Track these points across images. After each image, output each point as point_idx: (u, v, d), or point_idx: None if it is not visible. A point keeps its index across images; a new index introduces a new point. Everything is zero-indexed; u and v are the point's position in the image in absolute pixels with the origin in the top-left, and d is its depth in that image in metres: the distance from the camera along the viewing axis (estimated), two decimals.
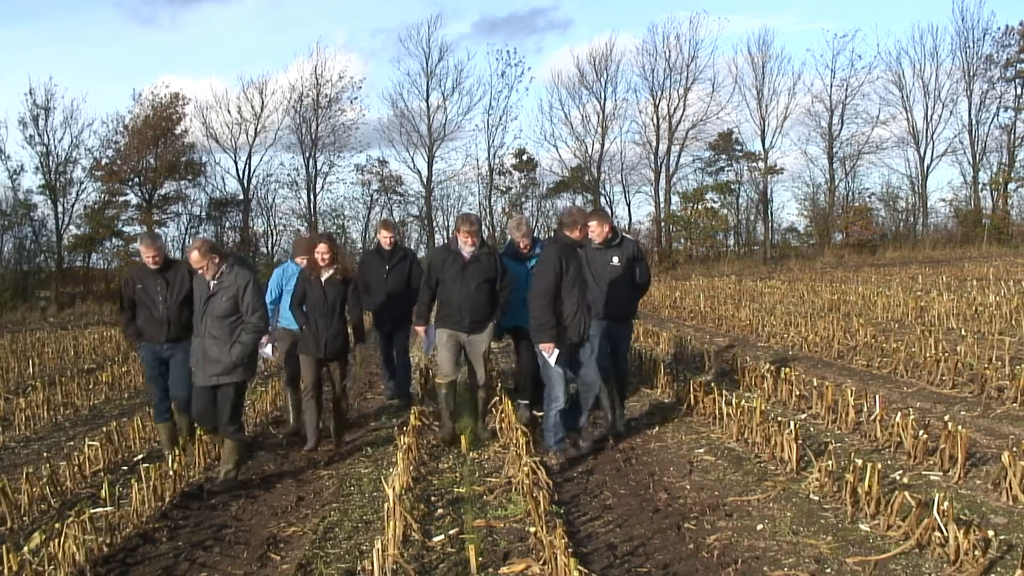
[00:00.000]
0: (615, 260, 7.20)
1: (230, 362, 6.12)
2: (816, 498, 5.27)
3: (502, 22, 58.02)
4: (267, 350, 7.23)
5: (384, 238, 9.05)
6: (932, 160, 38.34)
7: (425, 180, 37.86)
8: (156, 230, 34.91)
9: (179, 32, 53.86)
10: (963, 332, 10.71)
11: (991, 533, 4.14)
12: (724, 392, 7.54)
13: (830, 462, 5.41)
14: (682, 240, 39.21)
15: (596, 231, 7.18)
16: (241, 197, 36.77)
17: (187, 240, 35.82)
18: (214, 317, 6.13)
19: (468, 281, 6.97)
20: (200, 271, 6.22)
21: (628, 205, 39.45)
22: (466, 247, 7.02)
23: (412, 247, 37.22)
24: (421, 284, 7.34)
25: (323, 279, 7.02)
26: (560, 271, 6.21)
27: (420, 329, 7.44)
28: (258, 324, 6.19)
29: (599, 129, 38.14)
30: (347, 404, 7.86)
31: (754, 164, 39.32)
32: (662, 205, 38.18)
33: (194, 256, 6.16)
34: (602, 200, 37.36)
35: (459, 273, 6.98)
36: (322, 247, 7.07)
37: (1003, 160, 37.86)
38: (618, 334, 7.35)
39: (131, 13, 55.85)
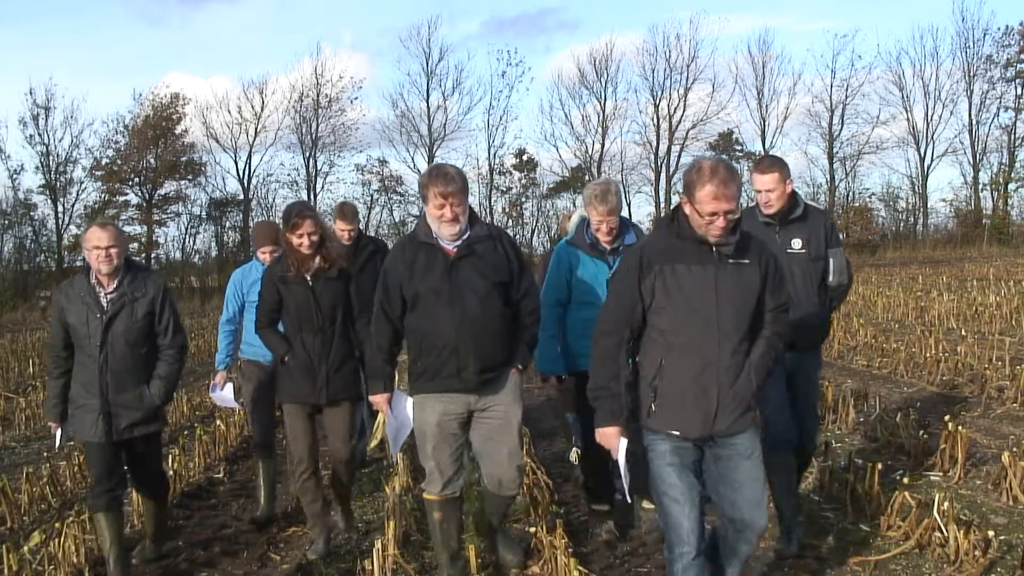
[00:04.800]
0: (797, 244, 4.25)
1: (153, 405, 4.35)
2: (816, 498, 5.27)
3: (511, 22, 57.93)
4: (226, 394, 5.48)
5: (342, 231, 6.08)
6: (932, 160, 38.31)
7: None
8: (156, 230, 34.99)
9: (188, 32, 53.87)
10: (963, 332, 10.71)
11: (991, 533, 4.14)
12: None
13: (830, 462, 5.41)
14: None
15: (767, 194, 4.30)
16: (241, 197, 36.77)
17: (187, 240, 35.86)
18: (121, 345, 4.24)
19: (463, 291, 3.80)
20: (99, 271, 4.24)
21: (628, 205, 39.43)
22: (447, 227, 3.80)
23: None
24: (374, 315, 4.03)
25: (308, 275, 4.54)
26: (638, 289, 3.21)
27: (379, 399, 4.18)
28: (181, 349, 4.44)
29: (599, 129, 38.17)
30: (352, 478, 5.12)
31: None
32: (662, 205, 38.19)
33: (105, 235, 4.19)
34: None
35: (443, 280, 3.80)
36: (307, 225, 4.48)
37: (1003, 160, 37.82)
38: (802, 371, 4.36)
39: (139, 13, 55.82)
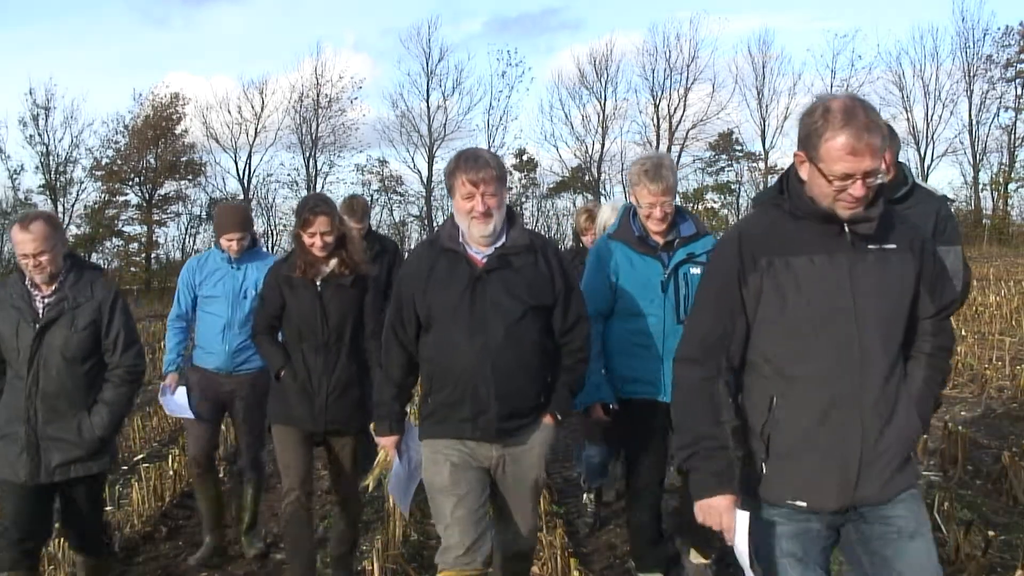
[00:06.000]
0: None
1: (93, 437, 3.50)
2: None
3: (513, 22, 57.89)
4: (179, 399, 4.67)
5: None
6: (932, 160, 38.28)
7: (425, 180, 37.90)
8: (156, 230, 35.06)
9: (190, 32, 53.88)
10: (963, 332, 10.71)
11: (991, 533, 4.14)
12: None
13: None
14: None
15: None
16: (241, 197, 36.77)
17: (187, 241, 35.86)
18: (57, 361, 3.47)
19: (487, 314, 3.06)
20: (32, 272, 3.50)
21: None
22: (478, 226, 3.06)
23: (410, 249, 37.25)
24: (384, 337, 3.33)
25: (319, 280, 3.90)
26: (739, 295, 2.28)
27: (387, 443, 3.40)
28: (135, 368, 3.61)
29: (599, 129, 38.19)
30: (355, 531, 4.29)
31: (754, 164, 39.33)
32: None
33: (29, 240, 3.41)
34: (602, 201, 37.31)
35: (464, 297, 3.07)
36: (320, 223, 3.83)
37: (1003, 160, 37.82)
38: None
39: (143, 13, 55.76)
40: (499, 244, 3.12)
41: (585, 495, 5.20)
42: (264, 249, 4.65)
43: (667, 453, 3.75)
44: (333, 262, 3.89)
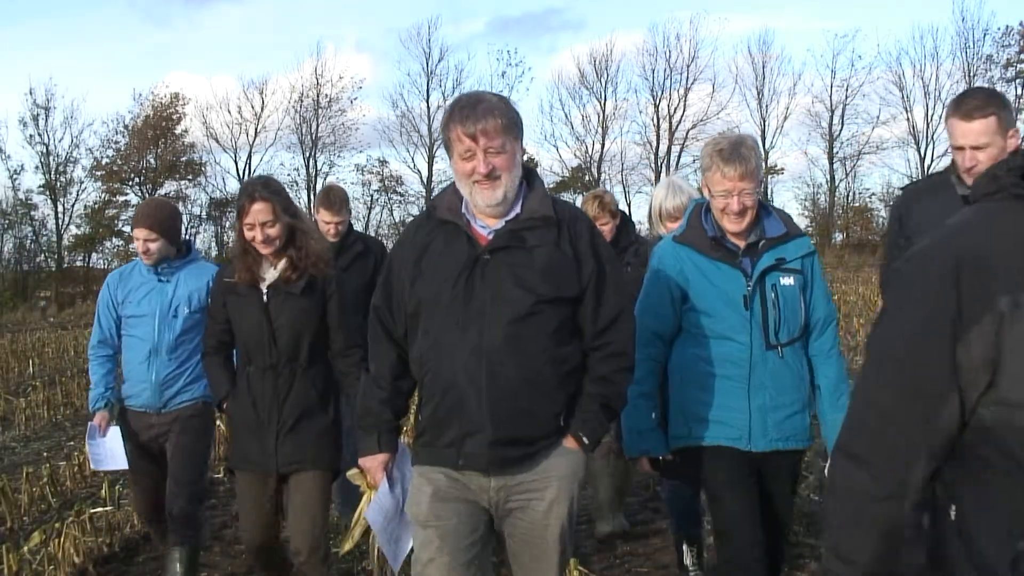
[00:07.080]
0: None
1: None
2: (816, 498, 5.27)
3: (515, 21, 58.05)
4: (109, 443, 3.88)
5: (327, 225, 4.68)
6: (933, 160, 38.26)
7: (425, 180, 37.94)
8: None
9: (191, 32, 54.05)
10: None
11: None
12: None
13: (830, 461, 5.40)
14: None
15: (973, 153, 2.88)
16: None
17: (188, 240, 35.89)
18: None
19: (486, 306, 2.33)
20: None
21: (628, 205, 39.50)
22: (482, 192, 2.34)
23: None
24: (370, 328, 2.57)
25: (265, 285, 3.24)
26: (949, 356, 1.22)
27: (372, 464, 2.60)
28: None
29: (599, 129, 38.24)
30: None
31: None
32: None
33: None
34: None
35: (460, 283, 2.34)
36: (258, 211, 3.17)
37: None
38: None
39: (143, 13, 55.85)
40: (511, 216, 2.40)
41: (686, 550, 3.96)
42: (201, 257, 4.05)
43: (758, 514, 2.88)
44: (281, 264, 3.21)
